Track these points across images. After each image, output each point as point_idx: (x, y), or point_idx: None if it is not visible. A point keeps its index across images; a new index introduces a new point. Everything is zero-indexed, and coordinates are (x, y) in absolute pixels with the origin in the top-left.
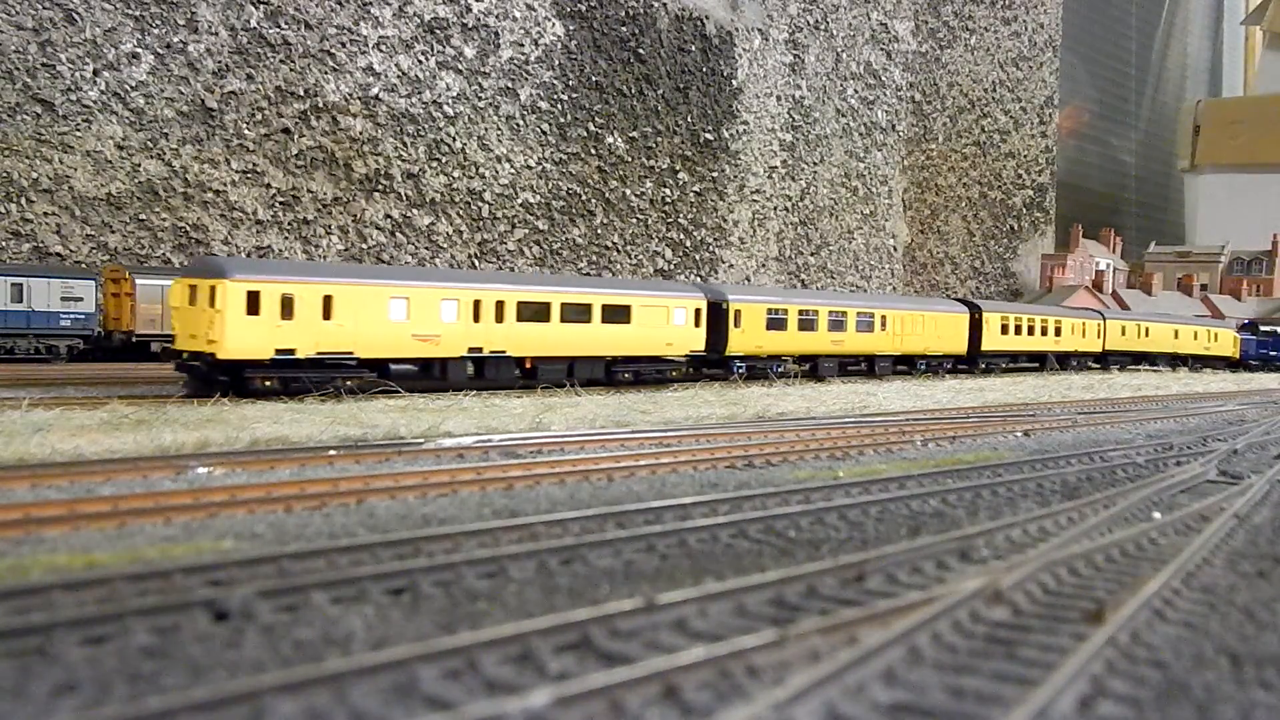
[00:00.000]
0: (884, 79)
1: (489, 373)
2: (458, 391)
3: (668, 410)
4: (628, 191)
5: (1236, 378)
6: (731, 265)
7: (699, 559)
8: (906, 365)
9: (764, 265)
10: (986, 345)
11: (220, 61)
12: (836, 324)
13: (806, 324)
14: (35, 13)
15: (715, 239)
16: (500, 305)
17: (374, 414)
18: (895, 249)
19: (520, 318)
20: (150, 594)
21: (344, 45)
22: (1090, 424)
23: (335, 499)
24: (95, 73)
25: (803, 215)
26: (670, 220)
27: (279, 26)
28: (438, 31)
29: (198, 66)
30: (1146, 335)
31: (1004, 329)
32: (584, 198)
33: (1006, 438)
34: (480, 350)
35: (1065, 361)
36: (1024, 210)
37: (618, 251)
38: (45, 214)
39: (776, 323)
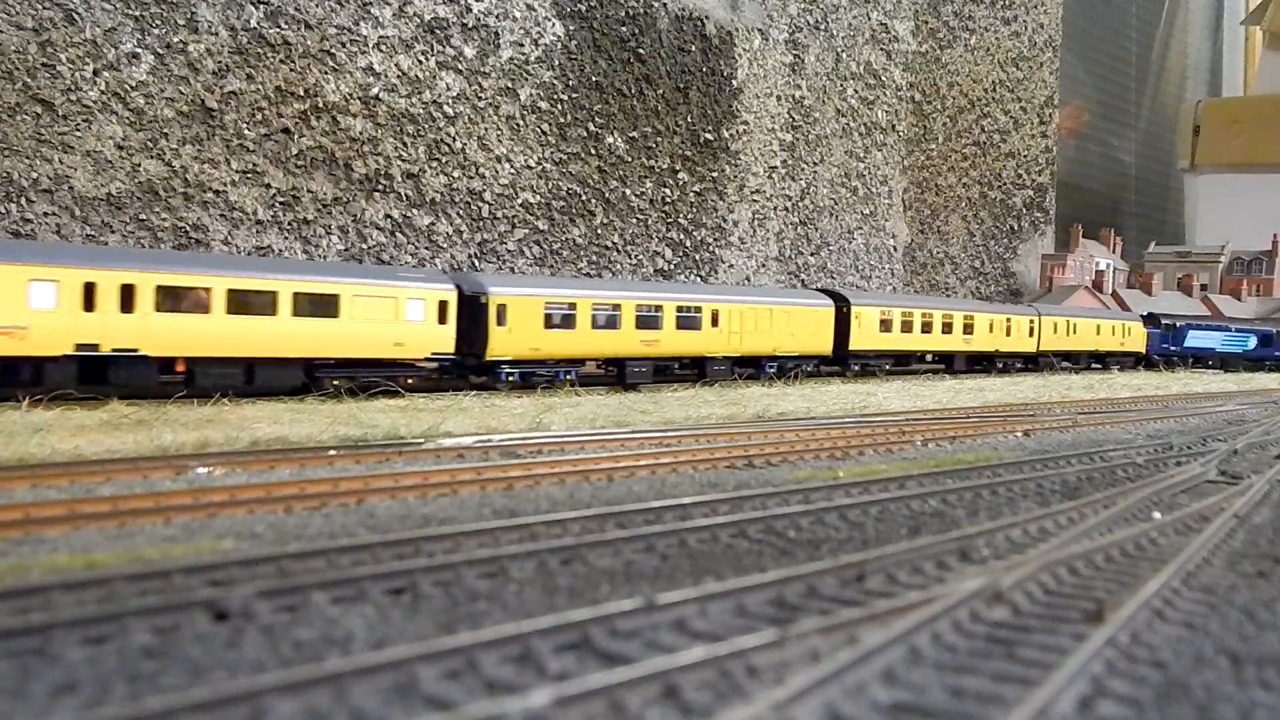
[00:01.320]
0: (884, 79)
1: (114, 376)
2: (458, 392)
3: (668, 410)
4: (628, 191)
5: (1236, 378)
6: (731, 265)
7: (699, 559)
8: (752, 368)
9: (764, 265)
10: (858, 344)
11: (220, 61)
12: (648, 320)
13: (606, 320)
14: (35, 13)
15: (715, 239)
16: (129, 290)
17: (374, 414)
18: (895, 249)
19: (161, 307)
20: (150, 594)
21: (344, 45)
22: (1090, 424)
23: (335, 499)
24: (95, 73)
25: (803, 215)
26: (670, 220)
27: (279, 26)
28: (438, 31)
29: (198, 66)
30: (1074, 332)
31: (885, 325)
32: (584, 198)
33: (1006, 438)
34: (96, 347)
35: (980, 362)
36: (1024, 210)
37: (618, 251)
38: (45, 214)
39: (561, 319)
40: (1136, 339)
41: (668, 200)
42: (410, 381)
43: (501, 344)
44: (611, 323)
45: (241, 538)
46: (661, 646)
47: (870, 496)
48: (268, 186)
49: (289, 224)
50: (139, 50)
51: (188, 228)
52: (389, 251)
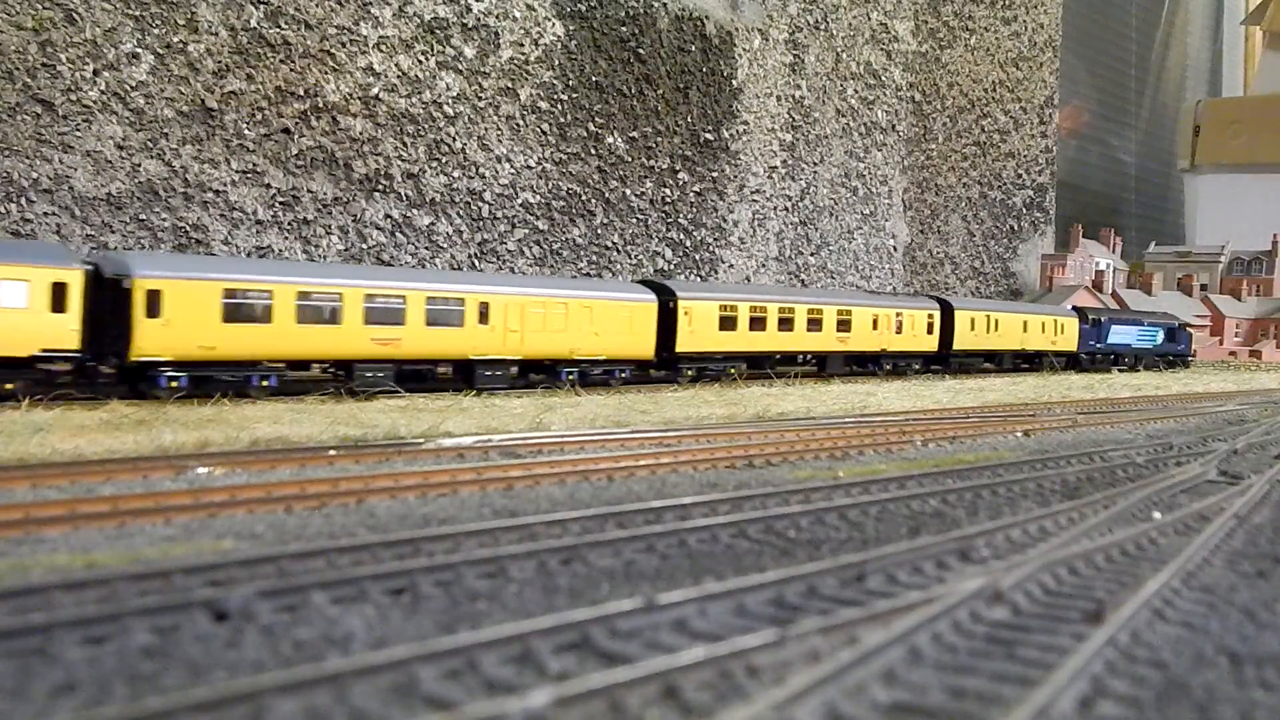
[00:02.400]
0: (884, 79)
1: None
2: (458, 391)
3: (668, 410)
4: (628, 191)
5: (1236, 377)
6: (731, 265)
7: (699, 559)
8: (546, 375)
9: (764, 265)
10: (689, 345)
11: (220, 61)
12: (385, 313)
13: (321, 313)
14: (35, 13)
15: (715, 239)
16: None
17: (374, 414)
18: (895, 249)
19: None
20: (150, 594)
21: (344, 45)
22: (1090, 424)
23: (335, 499)
24: (95, 73)
25: (803, 215)
26: (670, 220)
27: (279, 26)
28: (438, 31)
29: (198, 66)
30: (996, 329)
31: (728, 323)
32: (584, 198)
33: (1006, 438)
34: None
35: (867, 364)
36: (1024, 210)
37: (618, 251)
38: (45, 214)
39: (249, 311)
40: (1069, 336)
41: (668, 200)
42: (9, 387)
43: (154, 341)
44: (331, 316)
45: (241, 538)
46: (661, 646)
47: (870, 496)
48: (268, 186)
49: (289, 224)
50: (139, 50)
51: (188, 228)
52: (389, 251)
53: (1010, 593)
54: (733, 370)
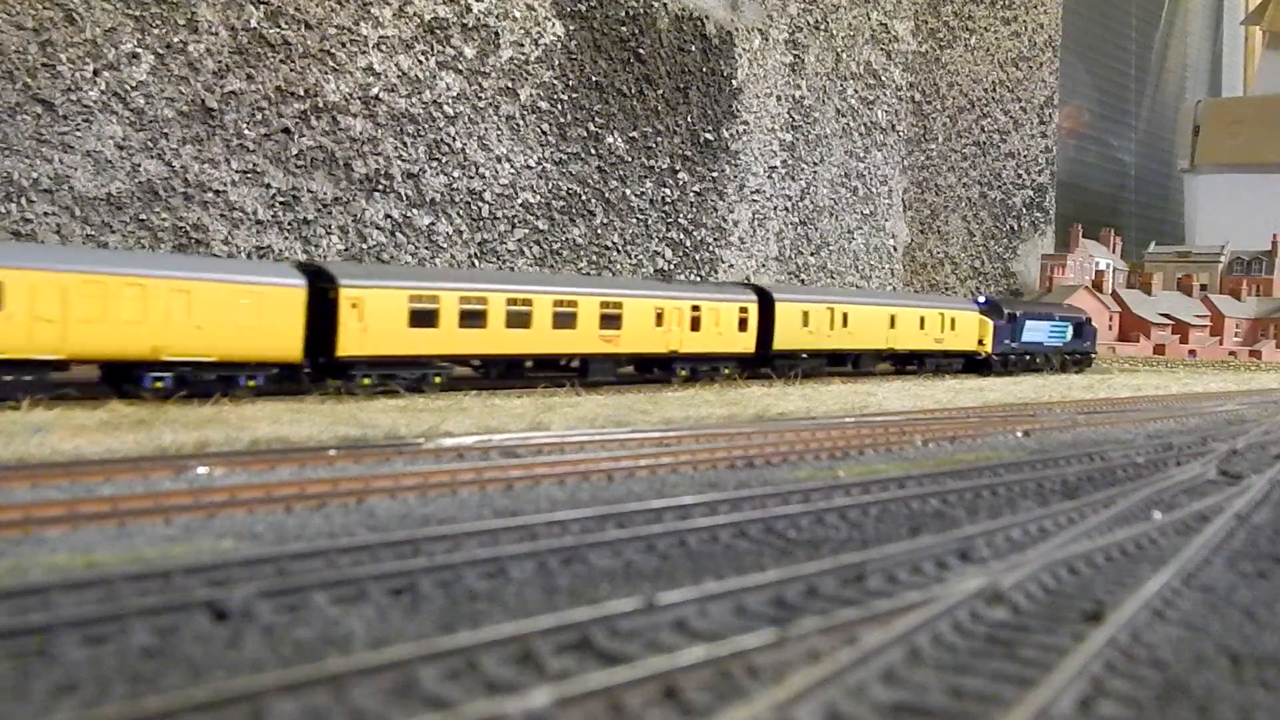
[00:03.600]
0: (884, 79)
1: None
2: (458, 391)
3: (668, 410)
4: (628, 191)
5: (1236, 377)
6: (731, 265)
7: (699, 559)
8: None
9: (764, 265)
10: (360, 347)
11: (220, 61)
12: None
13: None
14: (35, 13)
15: (715, 239)
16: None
17: (374, 414)
18: (895, 249)
19: None
20: (150, 594)
21: (344, 45)
22: (1090, 424)
23: (335, 499)
24: (95, 73)
25: (803, 215)
26: (670, 220)
27: (279, 26)
28: (438, 31)
29: (198, 66)
30: (844, 325)
31: (421, 317)
32: (584, 198)
33: (1006, 438)
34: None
35: (654, 369)
36: (1024, 210)
37: (618, 251)
38: (45, 214)
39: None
40: (967, 333)
41: (668, 200)
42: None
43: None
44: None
45: (241, 538)
46: (661, 646)
47: (870, 496)
48: (268, 186)
49: (289, 224)
50: (139, 50)
51: (188, 228)
52: (389, 251)
53: (1010, 593)
54: (437, 376)
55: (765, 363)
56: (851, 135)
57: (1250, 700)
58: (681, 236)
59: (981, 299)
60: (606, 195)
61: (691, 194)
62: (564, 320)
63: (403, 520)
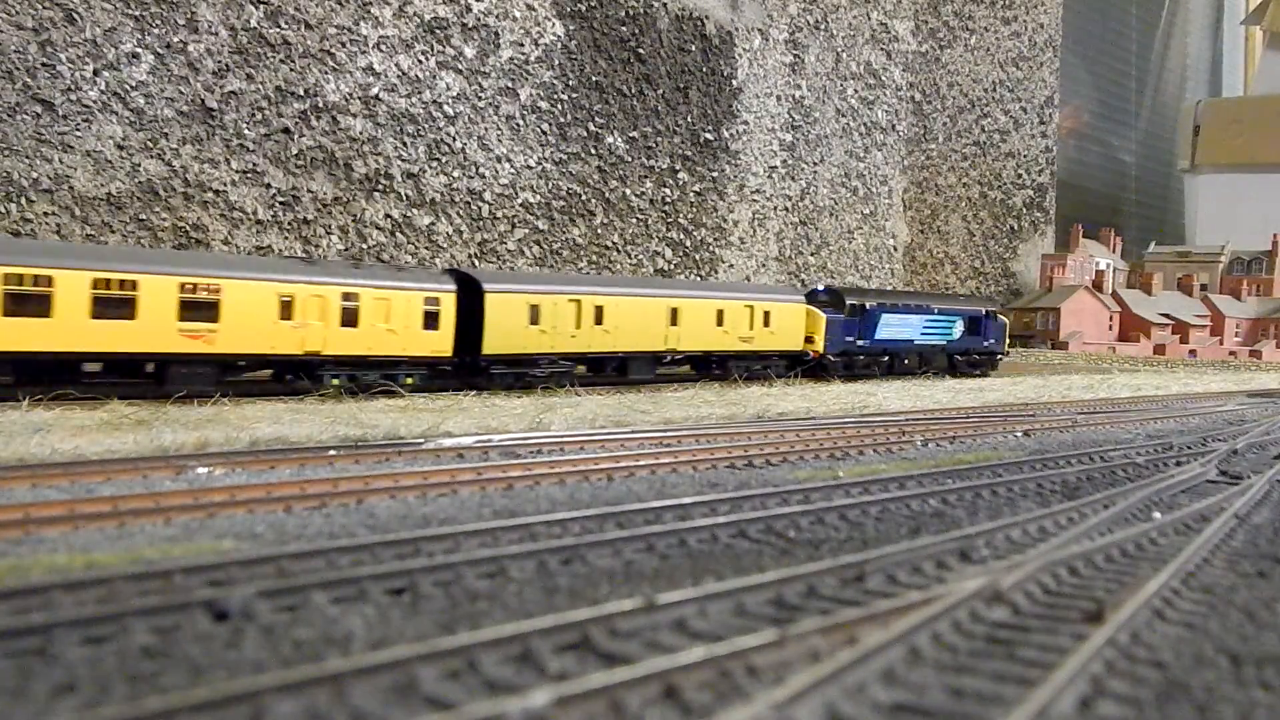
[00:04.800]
0: (884, 79)
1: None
2: (458, 391)
3: (668, 410)
4: (628, 191)
5: (1236, 377)
6: (731, 265)
7: (699, 559)
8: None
9: (764, 265)
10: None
11: (220, 61)
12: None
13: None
14: (35, 13)
15: (715, 239)
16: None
17: (374, 414)
18: (895, 249)
19: None
20: (150, 594)
21: (344, 45)
22: (1090, 424)
23: (335, 499)
24: (95, 73)
25: (803, 215)
26: (670, 220)
27: (279, 26)
28: (438, 31)
29: (198, 66)
30: (598, 321)
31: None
32: (584, 198)
33: (1006, 438)
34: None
35: (287, 378)
36: (1024, 210)
37: (618, 251)
38: (45, 214)
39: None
40: (789, 330)
41: (668, 200)
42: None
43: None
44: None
45: (241, 538)
46: (661, 646)
47: (870, 496)
48: (268, 186)
49: (289, 224)
50: (139, 50)
51: (188, 228)
52: (389, 251)
53: (1010, 593)
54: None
55: (476, 370)
56: (851, 135)
57: (1250, 700)
58: (681, 236)
59: (820, 287)
60: (606, 195)
61: (691, 194)
62: (190, 310)
63: (403, 520)
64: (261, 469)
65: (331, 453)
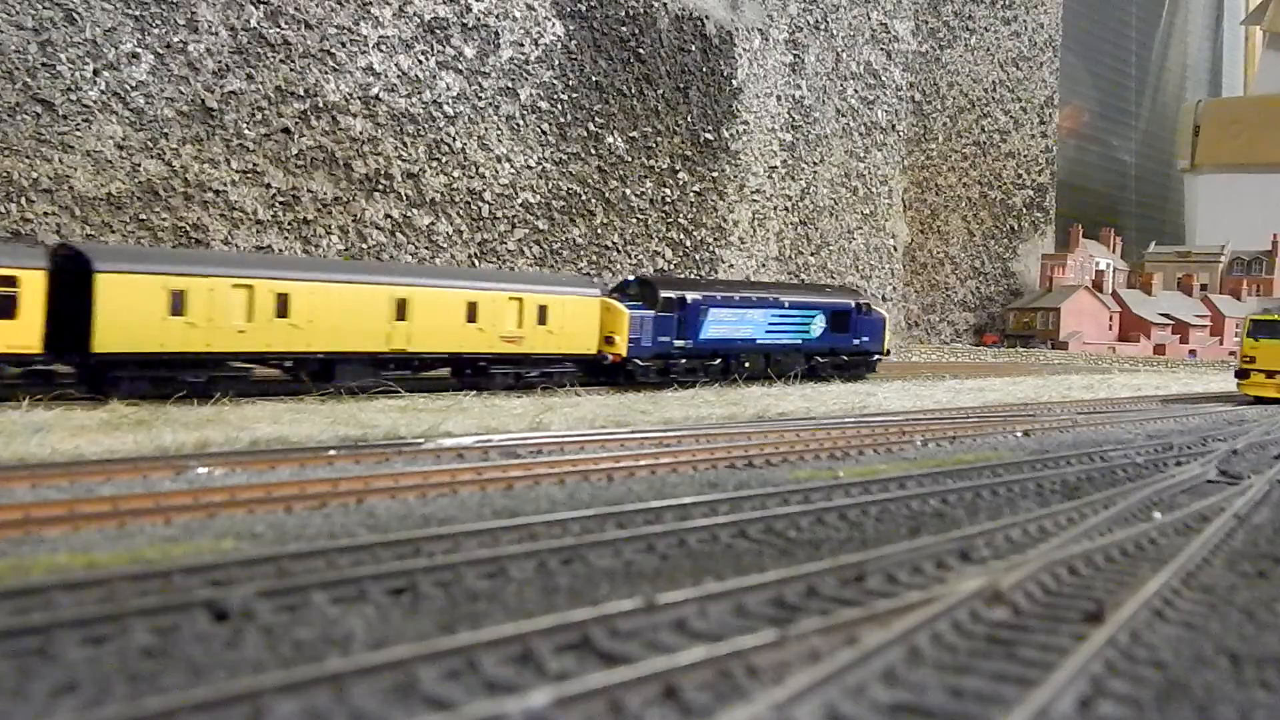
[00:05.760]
0: (884, 79)
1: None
2: (458, 391)
3: (668, 410)
4: (628, 191)
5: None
6: (731, 265)
7: (699, 559)
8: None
9: (764, 265)
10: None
11: (220, 61)
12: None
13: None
14: (35, 13)
15: (715, 239)
16: None
17: (374, 414)
18: (895, 249)
19: None
20: (150, 594)
21: (344, 45)
22: (1090, 424)
23: (335, 499)
24: (95, 73)
25: (803, 215)
26: (670, 220)
27: (279, 26)
28: (438, 31)
29: (198, 66)
30: (281, 313)
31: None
32: (584, 198)
33: (1006, 438)
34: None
35: None
36: (1024, 210)
37: (618, 251)
38: (45, 214)
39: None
40: (579, 328)
41: (668, 200)
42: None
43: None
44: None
45: (241, 538)
46: (661, 646)
47: (870, 496)
48: (268, 186)
49: (289, 224)
50: (139, 50)
51: (188, 228)
52: (389, 251)
53: (1010, 593)
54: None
55: (91, 373)
56: (851, 135)
57: (1250, 700)
58: (681, 236)
59: (631, 278)
60: (606, 195)
61: (691, 194)
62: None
63: (403, 520)
64: (261, 469)
65: (331, 453)
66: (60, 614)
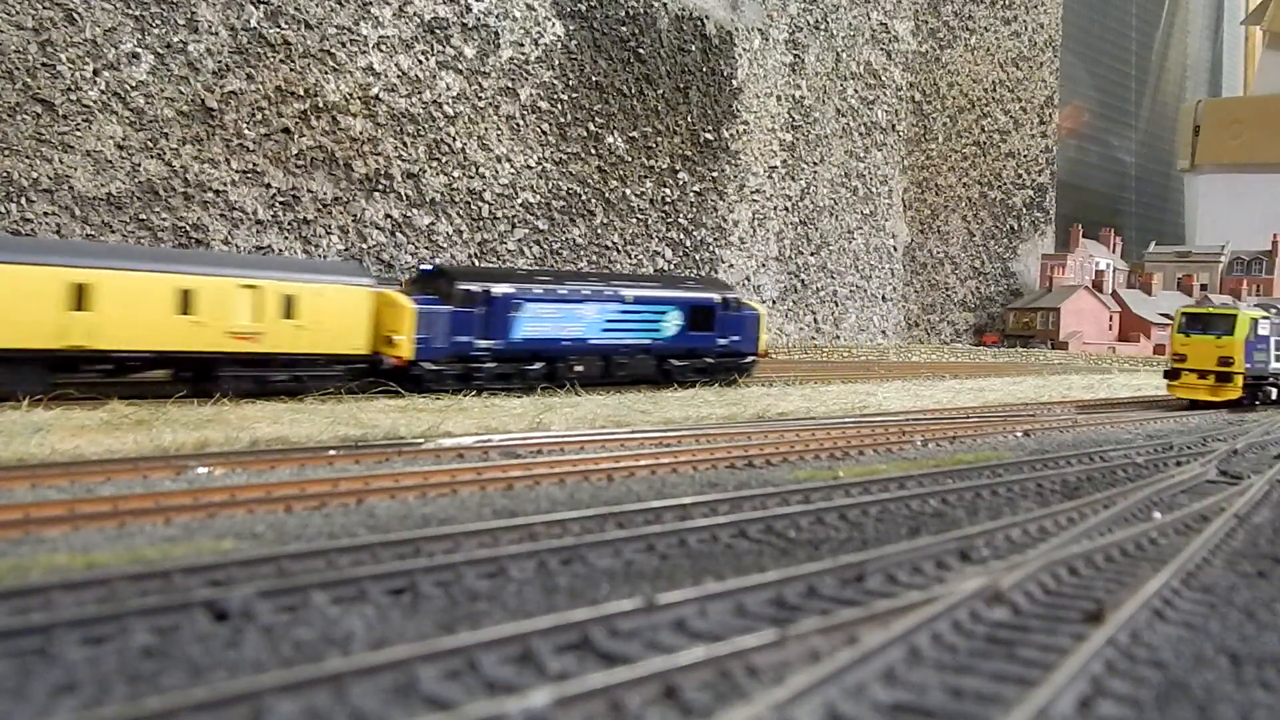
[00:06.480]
0: (884, 79)
1: None
2: (456, 392)
3: (667, 410)
4: (628, 191)
5: None
6: (731, 265)
7: (699, 559)
8: None
9: (764, 265)
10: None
11: (220, 61)
12: None
13: None
14: (35, 13)
15: (715, 239)
16: None
17: (374, 414)
18: (895, 249)
19: None
20: (150, 594)
21: (344, 45)
22: (1090, 424)
23: (335, 499)
24: (95, 73)
25: (803, 215)
26: (670, 220)
27: (279, 26)
28: (438, 31)
29: (198, 66)
30: None
31: None
32: (584, 198)
33: (1006, 438)
34: None
35: None
36: (1024, 210)
37: (618, 251)
38: (45, 214)
39: None
40: (343, 324)
41: (668, 200)
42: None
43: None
44: None
45: (241, 538)
46: (661, 646)
47: (870, 496)
48: (268, 186)
49: (289, 224)
50: (139, 50)
51: (188, 228)
52: (389, 251)
53: (1010, 593)
54: None
55: None
56: (851, 135)
57: (1250, 700)
58: (681, 236)
59: (427, 267)
60: (606, 195)
61: (691, 194)
62: None
63: (403, 520)
64: (261, 469)
65: (331, 453)
66: (60, 614)
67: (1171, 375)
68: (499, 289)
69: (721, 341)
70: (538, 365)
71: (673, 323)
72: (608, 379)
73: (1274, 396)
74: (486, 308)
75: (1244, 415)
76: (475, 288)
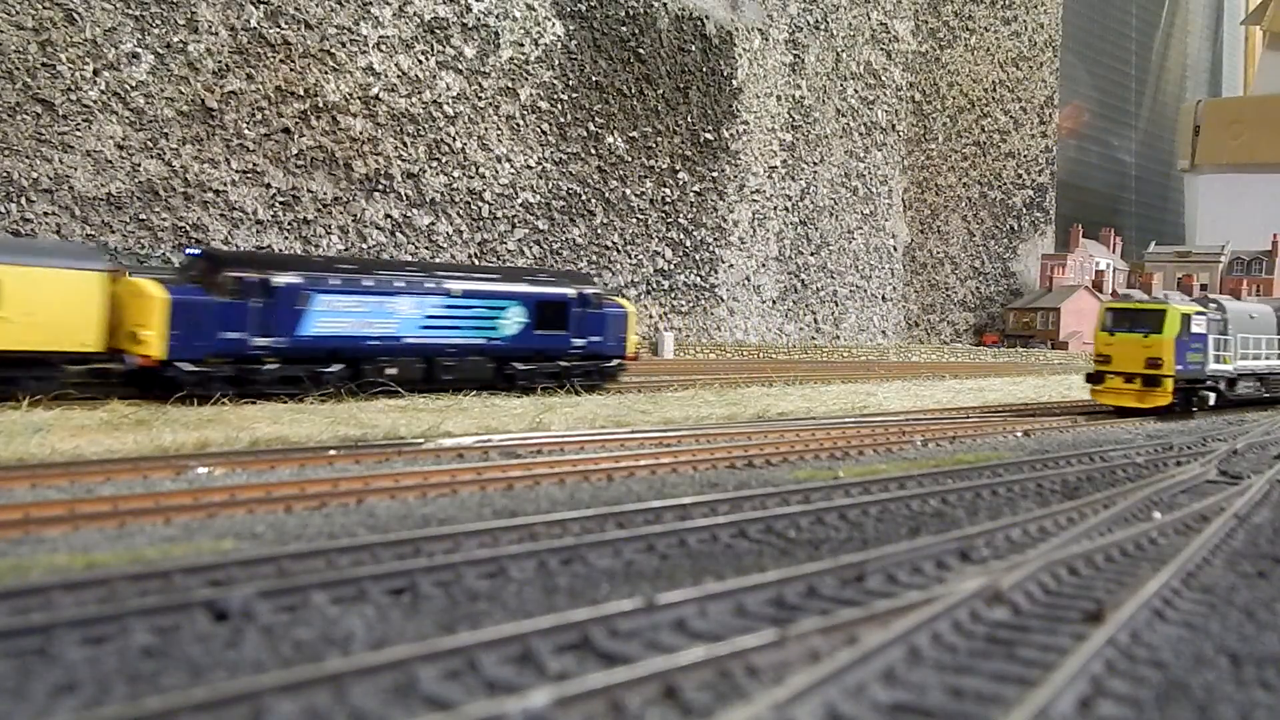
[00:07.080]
0: (884, 79)
1: None
2: (457, 391)
3: (667, 410)
4: (628, 191)
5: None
6: (731, 265)
7: (699, 559)
8: None
9: (764, 265)
10: None
11: (220, 61)
12: None
13: None
14: (35, 13)
15: (715, 239)
16: None
17: (374, 414)
18: (895, 249)
19: None
20: (150, 594)
21: (344, 45)
22: (1090, 424)
23: (335, 499)
24: (95, 73)
25: (803, 215)
26: (670, 220)
27: (279, 26)
28: (438, 31)
29: (198, 66)
30: None
31: None
32: (584, 198)
33: (1006, 438)
34: None
35: None
36: (1024, 210)
37: (618, 251)
38: (45, 214)
39: None
40: (65, 317)
41: (668, 200)
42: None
43: None
44: None
45: (241, 538)
46: (661, 646)
47: (870, 496)
48: (268, 186)
49: (289, 224)
50: (139, 50)
51: (188, 227)
52: (389, 251)
53: (1010, 593)
54: None
55: None
56: (851, 135)
57: (1250, 700)
58: (681, 236)
59: (195, 252)
60: (606, 195)
61: (691, 194)
62: None
63: (403, 520)
64: (261, 469)
65: (331, 453)
66: (60, 614)
67: (1094, 379)
68: (281, 278)
69: (578, 342)
70: (337, 367)
71: (514, 320)
72: (431, 383)
73: (1211, 402)
74: (266, 299)
75: (1244, 415)
76: (249, 276)
